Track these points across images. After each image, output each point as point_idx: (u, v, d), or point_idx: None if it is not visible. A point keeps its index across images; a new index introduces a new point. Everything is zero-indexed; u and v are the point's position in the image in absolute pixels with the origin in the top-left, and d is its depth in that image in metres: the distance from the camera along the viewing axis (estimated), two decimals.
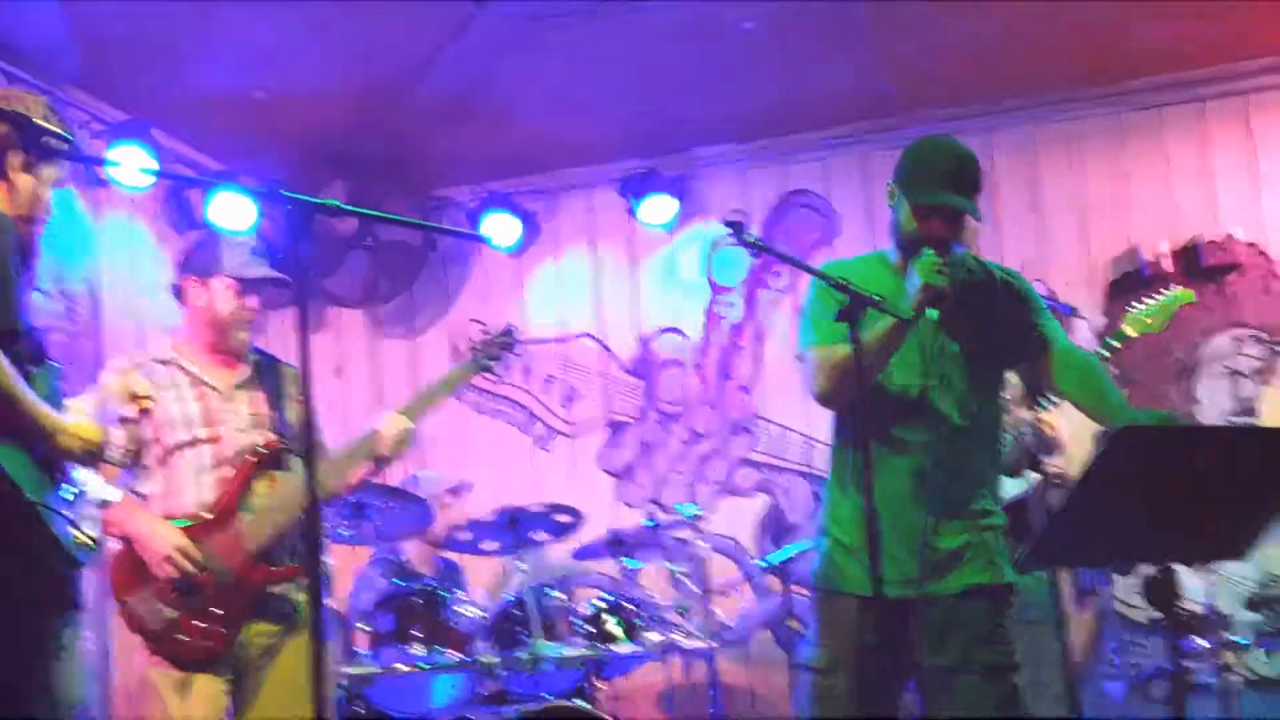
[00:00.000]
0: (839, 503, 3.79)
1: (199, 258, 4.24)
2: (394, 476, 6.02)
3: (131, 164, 5.52)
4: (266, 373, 4.25)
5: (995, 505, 3.82)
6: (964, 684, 3.69)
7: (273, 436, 4.11)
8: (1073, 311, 4.79)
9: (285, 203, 2.81)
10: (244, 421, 4.12)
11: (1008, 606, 3.75)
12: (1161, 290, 5.06)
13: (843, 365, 3.55)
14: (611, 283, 7.19)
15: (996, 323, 3.78)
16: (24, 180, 3.20)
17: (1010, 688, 3.71)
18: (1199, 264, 6.41)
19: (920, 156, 3.79)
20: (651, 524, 5.93)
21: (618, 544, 5.82)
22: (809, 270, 3.73)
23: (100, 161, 4.02)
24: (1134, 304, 5.04)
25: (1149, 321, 4.93)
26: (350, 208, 3.08)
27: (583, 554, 6.07)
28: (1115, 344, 4.95)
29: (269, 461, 4.06)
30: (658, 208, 6.91)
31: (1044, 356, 3.81)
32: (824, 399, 3.74)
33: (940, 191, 3.68)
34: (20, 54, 5.24)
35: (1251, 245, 6.41)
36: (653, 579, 6.10)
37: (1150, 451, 3.11)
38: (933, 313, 3.52)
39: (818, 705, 3.75)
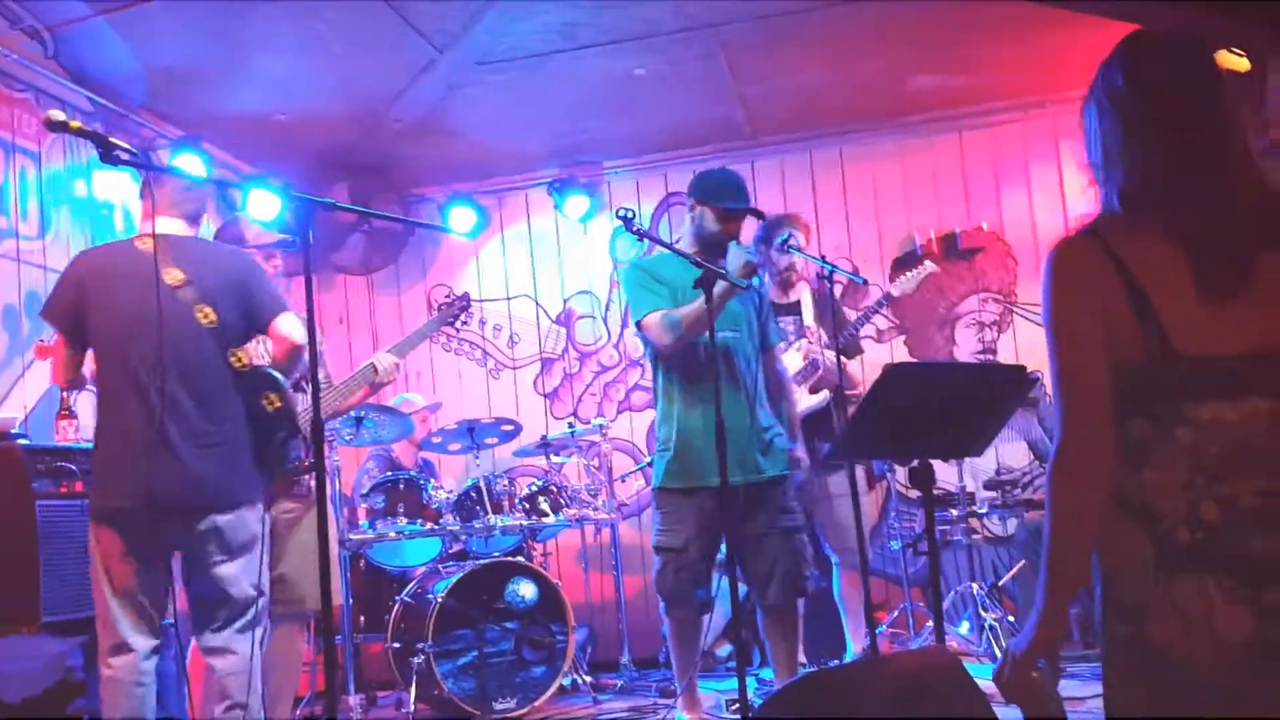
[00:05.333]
0: (679, 420, 3.85)
1: (227, 236, 4.17)
2: (385, 397, 5.99)
3: (189, 168, 5.37)
4: None
5: (774, 419, 3.94)
6: (770, 541, 3.80)
7: None
8: (865, 283, 4.89)
9: (296, 199, 2.80)
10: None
11: (791, 487, 3.88)
12: (918, 265, 5.26)
13: (686, 321, 3.65)
14: (543, 257, 7.17)
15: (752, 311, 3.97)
16: None
17: (801, 541, 3.85)
18: (956, 246, 6.54)
19: (718, 180, 3.94)
20: (571, 431, 5.97)
21: (546, 445, 5.87)
22: (676, 252, 3.80)
23: (168, 169, 4.01)
24: (899, 275, 5.26)
25: (906, 287, 5.17)
26: (343, 205, 3.11)
27: (521, 453, 6.11)
28: (884, 302, 5.17)
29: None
30: (576, 204, 6.91)
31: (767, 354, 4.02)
32: (672, 349, 3.81)
33: (742, 202, 3.80)
34: (102, 86, 5.09)
35: (993, 233, 6.54)
36: (572, 470, 6.14)
37: (913, 379, 3.19)
38: (755, 279, 3.66)
39: (676, 575, 3.83)
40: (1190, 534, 1.64)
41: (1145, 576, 1.66)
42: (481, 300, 7.05)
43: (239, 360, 3.28)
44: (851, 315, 5.12)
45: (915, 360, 6.31)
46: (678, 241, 4.09)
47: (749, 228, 4.26)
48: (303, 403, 4.01)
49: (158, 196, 3.37)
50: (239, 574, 3.28)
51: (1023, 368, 3.19)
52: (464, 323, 4.84)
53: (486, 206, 7.11)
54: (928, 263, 5.18)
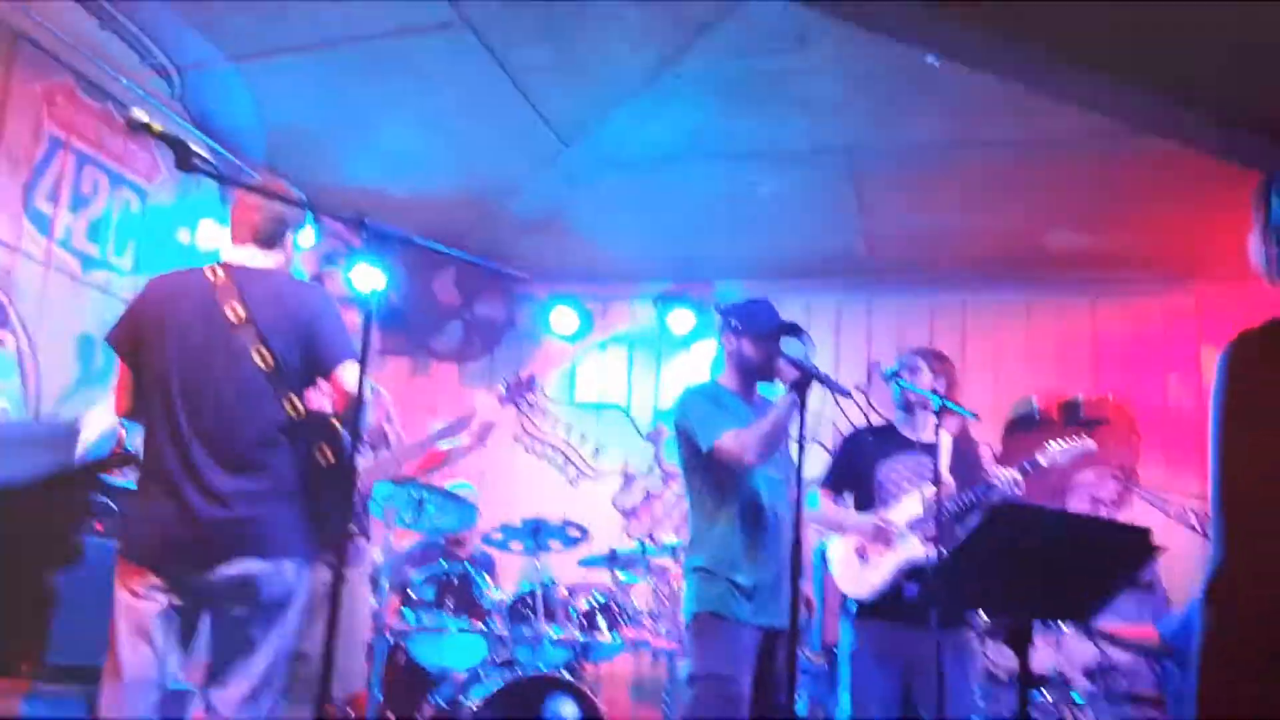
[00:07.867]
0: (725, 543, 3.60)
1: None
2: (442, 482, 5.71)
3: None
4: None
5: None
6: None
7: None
8: (976, 418, 4.28)
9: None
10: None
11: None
12: (1043, 430, 4.67)
13: (763, 437, 3.53)
14: (640, 371, 6.91)
15: None
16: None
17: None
18: (1079, 415, 6.07)
19: (751, 309, 3.86)
20: (642, 549, 5.58)
21: (614, 559, 5.50)
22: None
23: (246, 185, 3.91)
24: (1022, 437, 4.67)
25: (1058, 459, 4.28)
26: (427, 243, 2.87)
27: (586, 563, 5.74)
28: (1027, 469, 4.39)
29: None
30: (682, 319, 6.66)
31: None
32: (756, 463, 3.56)
33: (776, 323, 3.70)
34: (223, 135, 5.07)
35: (1119, 406, 6.06)
36: (638, 591, 5.74)
37: (1022, 523, 2.79)
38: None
39: (724, 704, 3.41)
40: None
41: None
42: (575, 405, 6.81)
43: (294, 407, 3.00)
44: (996, 478, 4.23)
45: (1024, 503, 5.74)
46: (720, 377, 3.93)
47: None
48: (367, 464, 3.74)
49: (232, 219, 3.17)
50: (265, 633, 2.96)
51: (1147, 530, 2.72)
52: (530, 405, 4.42)
53: (591, 310, 6.92)
54: (1089, 441, 4.35)
